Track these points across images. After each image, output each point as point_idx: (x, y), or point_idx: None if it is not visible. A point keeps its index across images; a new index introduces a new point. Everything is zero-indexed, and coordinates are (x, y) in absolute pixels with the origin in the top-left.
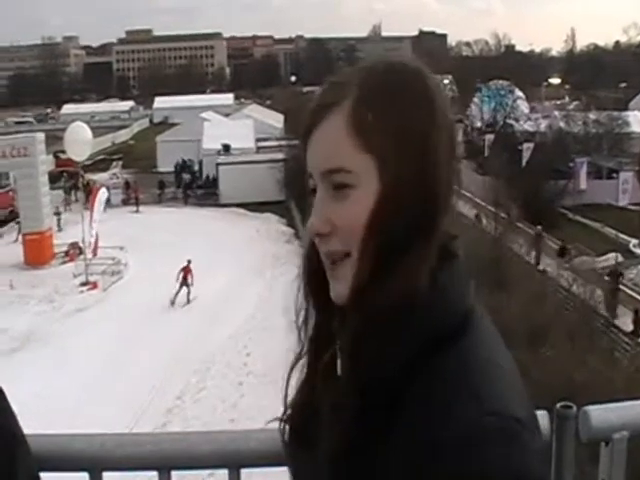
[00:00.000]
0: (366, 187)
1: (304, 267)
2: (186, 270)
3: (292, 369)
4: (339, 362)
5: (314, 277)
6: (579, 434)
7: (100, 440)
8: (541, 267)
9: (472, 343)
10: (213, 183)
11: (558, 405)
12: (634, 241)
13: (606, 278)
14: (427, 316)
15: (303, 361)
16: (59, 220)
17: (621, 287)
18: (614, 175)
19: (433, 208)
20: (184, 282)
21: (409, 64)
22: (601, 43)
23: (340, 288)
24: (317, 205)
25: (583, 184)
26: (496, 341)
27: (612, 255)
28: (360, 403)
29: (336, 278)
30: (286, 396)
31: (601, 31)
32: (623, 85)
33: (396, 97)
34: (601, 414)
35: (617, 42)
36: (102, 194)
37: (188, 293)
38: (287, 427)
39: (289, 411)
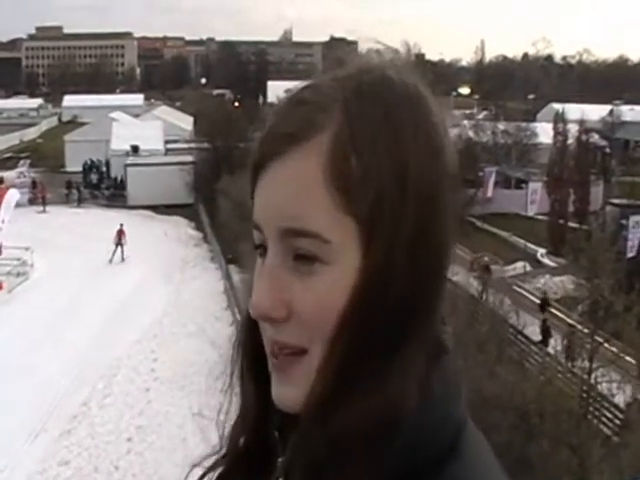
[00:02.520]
0: (344, 264)
1: (240, 343)
2: (120, 232)
3: None
4: None
5: (254, 359)
6: None
7: None
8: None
9: (464, 469)
10: (121, 184)
11: None
12: (542, 250)
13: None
14: (412, 437)
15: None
16: None
17: (528, 296)
18: (522, 185)
19: (430, 295)
20: (119, 242)
21: (406, 80)
22: (510, 55)
23: (288, 392)
24: (268, 276)
25: (489, 193)
26: (491, 464)
27: (520, 264)
28: None
29: (282, 378)
30: None
31: (510, 43)
32: (531, 97)
33: (394, 132)
34: None
35: (526, 54)
36: (12, 195)
37: (122, 252)
38: None
39: None
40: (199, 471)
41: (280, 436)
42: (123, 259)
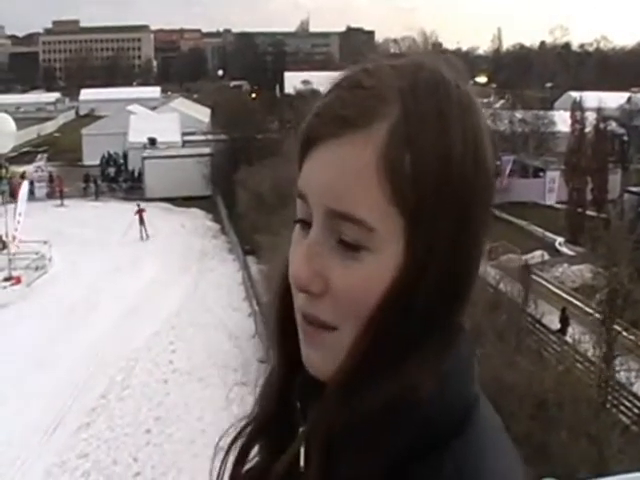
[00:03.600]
0: (386, 253)
1: (276, 308)
2: (140, 211)
3: (234, 441)
4: (302, 452)
5: (287, 325)
6: None
7: None
8: None
9: (473, 445)
10: (139, 177)
11: None
12: (560, 239)
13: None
14: (426, 415)
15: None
16: None
17: (547, 285)
18: (540, 174)
19: (464, 286)
20: (141, 221)
21: (460, 85)
22: (527, 43)
23: (315, 357)
24: (309, 249)
25: (505, 181)
26: (500, 440)
27: (538, 253)
28: None
29: (310, 343)
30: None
31: (527, 31)
32: (549, 85)
33: (445, 134)
34: None
35: (543, 42)
36: (24, 187)
37: (146, 230)
38: None
39: None
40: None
41: (302, 406)
42: (148, 236)
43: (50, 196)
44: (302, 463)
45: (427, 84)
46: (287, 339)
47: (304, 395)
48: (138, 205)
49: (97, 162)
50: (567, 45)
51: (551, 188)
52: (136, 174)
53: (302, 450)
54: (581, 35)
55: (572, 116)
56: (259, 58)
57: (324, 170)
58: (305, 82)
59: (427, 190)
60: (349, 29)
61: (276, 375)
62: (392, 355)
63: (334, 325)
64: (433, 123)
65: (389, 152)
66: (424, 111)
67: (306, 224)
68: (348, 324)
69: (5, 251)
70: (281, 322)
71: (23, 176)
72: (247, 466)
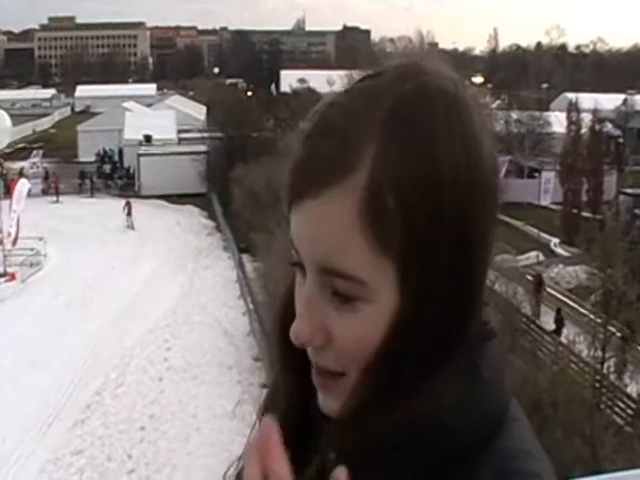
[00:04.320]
0: (382, 301)
1: (277, 332)
2: (128, 203)
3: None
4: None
5: (293, 353)
6: None
7: None
8: None
9: (511, 448)
10: (134, 174)
11: None
12: (555, 240)
13: (529, 278)
14: (461, 426)
15: None
16: None
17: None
18: (535, 174)
19: (468, 312)
20: (129, 212)
21: (445, 88)
22: (523, 44)
23: (331, 405)
24: (306, 305)
25: (501, 182)
26: (534, 441)
27: (533, 254)
28: None
29: (326, 392)
30: None
31: (523, 32)
32: (545, 86)
33: (431, 161)
34: None
35: (539, 43)
36: (22, 185)
37: (132, 221)
38: None
39: None
40: None
41: (327, 431)
42: (134, 228)
43: (45, 192)
44: None
45: (405, 105)
46: (298, 371)
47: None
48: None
49: (92, 159)
50: (563, 46)
51: (546, 189)
52: (131, 171)
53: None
54: (577, 36)
55: (568, 117)
56: (255, 56)
57: (308, 228)
58: (301, 80)
59: (414, 228)
60: (345, 28)
61: (289, 397)
62: (400, 388)
63: (342, 371)
64: (415, 151)
65: (369, 201)
66: (404, 140)
67: (303, 267)
68: (354, 370)
69: (0, 247)
70: (287, 356)
71: (21, 173)
72: None
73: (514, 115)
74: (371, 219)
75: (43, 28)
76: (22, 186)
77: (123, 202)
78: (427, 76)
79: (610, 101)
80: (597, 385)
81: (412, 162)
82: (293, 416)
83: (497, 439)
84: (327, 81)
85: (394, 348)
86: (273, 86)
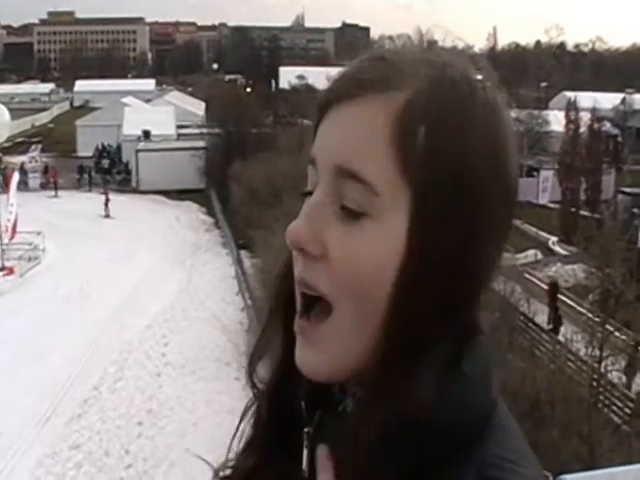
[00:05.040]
0: (389, 223)
1: (275, 288)
2: (106, 193)
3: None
4: (305, 456)
5: (288, 303)
6: None
7: None
8: None
9: (496, 451)
10: (133, 169)
11: None
12: (553, 238)
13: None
14: (445, 423)
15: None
16: None
17: (539, 284)
18: (534, 173)
19: (472, 288)
20: (106, 202)
21: (487, 89)
22: (522, 42)
23: (312, 358)
24: (311, 209)
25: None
26: (521, 444)
27: (532, 252)
28: None
29: (307, 341)
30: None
31: (522, 30)
32: (544, 84)
33: (465, 128)
34: None
35: (538, 42)
36: (16, 177)
37: (108, 210)
38: None
39: None
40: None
41: (306, 407)
42: (108, 215)
43: (44, 187)
44: (305, 466)
45: (454, 79)
46: (286, 341)
47: (309, 396)
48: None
49: (91, 154)
50: (562, 45)
51: (545, 187)
52: (130, 167)
53: (305, 452)
54: (576, 35)
55: (566, 116)
56: (254, 52)
57: (337, 129)
58: (300, 77)
59: (438, 170)
60: (344, 25)
61: (272, 376)
62: (407, 357)
63: (327, 297)
64: (454, 113)
65: (403, 119)
66: (447, 98)
67: (310, 195)
68: (344, 304)
69: None
70: (281, 321)
71: (22, 168)
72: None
73: (513, 114)
74: (400, 137)
75: (42, 22)
76: (15, 178)
77: (124, 198)
78: (469, 70)
79: (609, 100)
80: (594, 384)
81: (449, 118)
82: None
83: (480, 443)
84: (326, 78)
85: (402, 283)
86: (272, 82)
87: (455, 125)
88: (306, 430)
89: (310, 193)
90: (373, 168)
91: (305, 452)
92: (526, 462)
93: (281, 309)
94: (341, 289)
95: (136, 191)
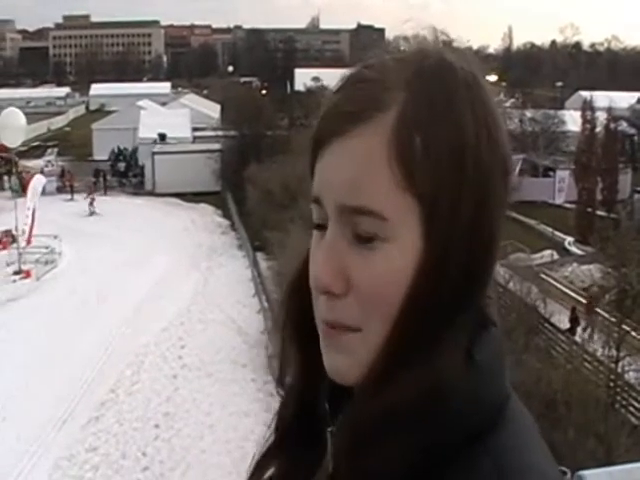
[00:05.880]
0: (403, 241)
1: (289, 302)
2: (91, 193)
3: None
4: (330, 454)
5: (304, 319)
6: None
7: None
8: None
9: (509, 441)
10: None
11: None
12: (569, 239)
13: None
14: (458, 408)
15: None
16: None
17: (556, 284)
18: (550, 173)
19: (485, 269)
20: (91, 202)
21: (465, 67)
22: (538, 42)
23: (341, 361)
24: (327, 249)
25: (515, 180)
26: (534, 436)
27: (548, 252)
28: None
29: (334, 347)
30: None
31: (538, 30)
32: (559, 84)
33: (455, 115)
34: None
35: (553, 41)
36: (37, 182)
37: (93, 207)
38: None
39: None
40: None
41: (330, 407)
42: (92, 213)
43: (60, 190)
44: (331, 468)
45: (433, 69)
46: (306, 345)
47: (332, 395)
48: (92, 181)
49: (107, 157)
50: (578, 44)
51: (561, 188)
52: (145, 170)
53: (330, 450)
54: (592, 35)
55: (582, 116)
56: (269, 54)
57: (334, 168)
58: (315, 79)
59: (441, 171)
60: (359, 26)
61: (297, 380)
62: (418, 347)
63: (358, 327)
64: (442, 105)
65: (398, 136)
66: (431, 94)
67: (323, 228)
68: (372, 323)
69: (15, 245)
70: (297, 328)
71: (42, 171)
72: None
73: (528, 114)
74: (399, 153)
75: (58, 27)
76: (37, 182)
77: (140, 201)
78: (444, 53)
79: (625, 99)
80: (611, 384)
81: (439, 114)
82: (307, 393)
83: (497, 430)
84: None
85: (420, 295)
86: (287, 84)
87: (447, 118)
88: (329, 429)
89: (318, 226)
90: (378, 197)
91: (329, 450)
92: (540, 456)
93: (298, 318)
94: (368, 315)
95: (152, 194)
